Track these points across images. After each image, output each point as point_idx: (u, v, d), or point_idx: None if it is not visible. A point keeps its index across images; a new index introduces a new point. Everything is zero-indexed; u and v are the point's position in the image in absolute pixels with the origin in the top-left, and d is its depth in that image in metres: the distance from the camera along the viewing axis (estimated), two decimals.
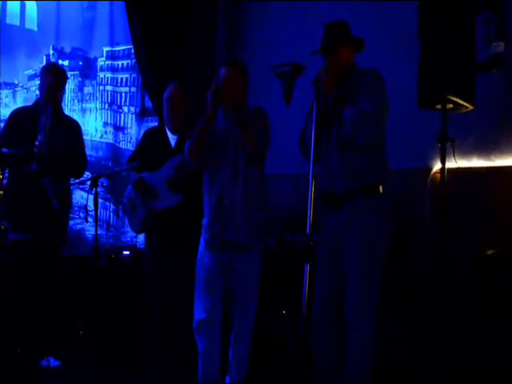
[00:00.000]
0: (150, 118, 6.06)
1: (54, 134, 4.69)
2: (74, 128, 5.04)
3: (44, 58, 6.54)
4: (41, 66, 6.47)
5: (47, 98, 4.78)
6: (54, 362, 4.69)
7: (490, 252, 4.13)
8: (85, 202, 5.02)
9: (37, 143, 4.59)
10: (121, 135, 6.26)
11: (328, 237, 3.45)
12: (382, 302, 3.35)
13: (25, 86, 6.58)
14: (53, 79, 4.80)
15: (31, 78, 6.61)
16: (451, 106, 3.89)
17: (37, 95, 5.12)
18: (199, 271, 3.83)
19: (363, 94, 3.32)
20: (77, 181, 4.97)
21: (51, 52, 6.53)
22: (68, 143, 4.81)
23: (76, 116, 6.31)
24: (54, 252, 4.77)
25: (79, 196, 6.12)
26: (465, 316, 3.98)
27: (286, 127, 4.46)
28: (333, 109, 3.35)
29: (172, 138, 4.58)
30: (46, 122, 4.66)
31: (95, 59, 6.41)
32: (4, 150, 4.53)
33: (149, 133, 4.82)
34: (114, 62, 6.31)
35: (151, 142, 4.66)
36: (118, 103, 6.30)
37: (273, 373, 4.34)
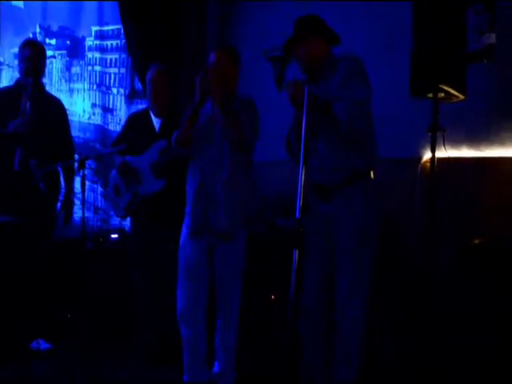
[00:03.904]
0: (139, 100, 5.99)
1: (36, 115, 4.57)
2: (58, 107, 4.93)
3: (30, 35, 6.45)
4: None
5: (27, 71, 4.67)
6: (44, 345, 4.69)
7: (477, 241, 4.17)
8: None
9: (12, 126, 4.47)
10: (109, 117, 6.19)
11: (319, 223, 3.45)
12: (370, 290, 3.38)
13: (11, 65, 6.46)
14: (31, 52, 4.71)
15: (17, 56, 6.52)
16: (442, 95, 3.89)
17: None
18: (181, 260, 3.79)
19: (351, 82, 3.30)
20: (63, 163, 4.89)
21: (38, 30, 6.42)
22: (51, 124, 4.72)
23: (63, 96, 6.22)
24: (42, 236, 4.73)
25: None
26: (452, 306, 4.02)
27: (278, 113, 4.44)
28: (318, 107, 3.27)
29: (156, 122, 4.53)
30: (25, 103, 4.52)
31: (83, 38, 6.30)
32: None
33: (132, 117, 4.75)
34: (102, 42, 6.20)
35: (135, 125, 4.60)
36: (107, 84, 6.21)
37: (261, 359, 4.37)
